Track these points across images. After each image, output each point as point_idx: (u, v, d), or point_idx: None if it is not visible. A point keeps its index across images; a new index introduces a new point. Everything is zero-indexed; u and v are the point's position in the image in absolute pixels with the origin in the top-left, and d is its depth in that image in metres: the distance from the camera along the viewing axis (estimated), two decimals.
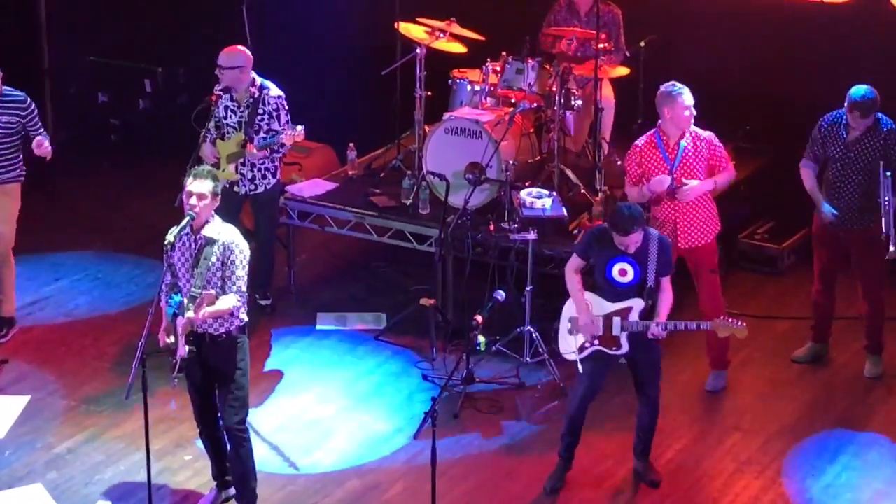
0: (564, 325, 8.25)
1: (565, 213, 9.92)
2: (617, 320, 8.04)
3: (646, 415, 8.38)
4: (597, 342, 8.09)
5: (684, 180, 8.93)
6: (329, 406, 9.27)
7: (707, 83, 10.73)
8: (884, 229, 9.02)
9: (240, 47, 9.87)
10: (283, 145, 9.78)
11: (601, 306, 8.09)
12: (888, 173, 8.99)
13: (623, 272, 8.04)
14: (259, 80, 9.84)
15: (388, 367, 9.72)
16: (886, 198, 9.00)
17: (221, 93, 9.76)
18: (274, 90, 9.83)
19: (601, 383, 8.20)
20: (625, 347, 8.06)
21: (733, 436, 8.93)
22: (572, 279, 8.21)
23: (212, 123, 9.84)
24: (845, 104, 9.07)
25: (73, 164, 12.56)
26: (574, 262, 8.24)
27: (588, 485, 8.36)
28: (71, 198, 12.14)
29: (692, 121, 8.97)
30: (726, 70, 11.45)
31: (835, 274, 9.55)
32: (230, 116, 9.83)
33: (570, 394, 8.24)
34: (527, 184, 10.17)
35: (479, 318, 8.38)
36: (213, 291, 7.62)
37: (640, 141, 9.08)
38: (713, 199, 9.16)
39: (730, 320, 8.08)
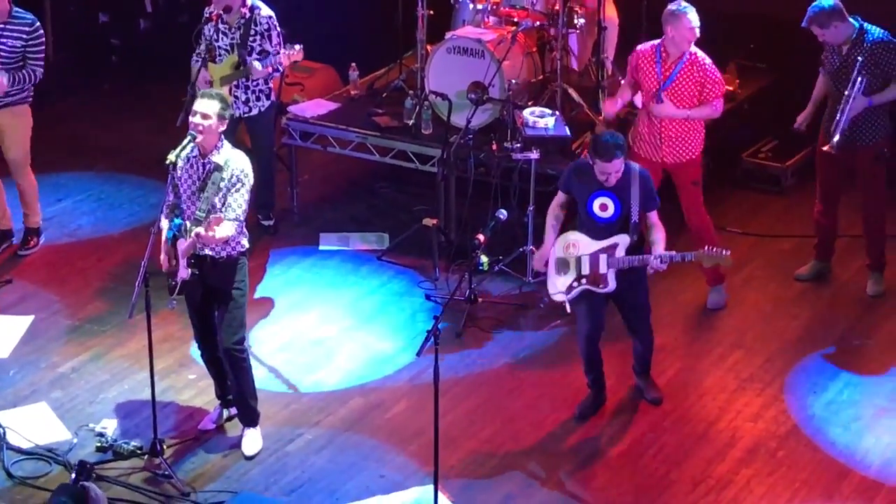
0: (552, 267, 8.22)
1: (568, 132, 9.88)
2: (603, 257, 7.96)
3: (639, 345, 8.40)
4: (584, 281, 8.03)
5: (665, 99, 8.87)
6: (332, 326, 9.30)
7: (711, 1, 10.65)
8: (836, 121, 9.00)
9: None
10: (279, 65, 9.69)
11: (588, 244, 8.02)
12: (860, 79, 8.95)
13: (604, 207, 7.96)
14: (250, 1, 9.72)
15: (391, 287, 9.74)
16: (851, 94, 8.95)
17: (223, 12, 9.67)
18: (265, 9, 9.70)
19: (601, 321, 8.16)
20: (612, 285, 7.97)
21: (735, 353, 8.96)
22: (551, 213, 8.18)
23: (202, 47, 9.75)
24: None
25: (74, 84, 12.51)
26: (558, 198, 8.20)
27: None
28: (72, 119, 12.09)
29: (694, 42, 8.90)
30: None
31: (838, 193, 9.54)
32: (221, 39, 9.71)
33: (577, 335, 8.23)
34: (529, 103, 10.13)
35: (481, 237, 8.38)
36: (221, 215, 7.61)
37: (641, 47, 9.07)
38: (701, 121, 9.11)
39: (714, 250, 7.97)
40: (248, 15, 9.65)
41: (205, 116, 7.66)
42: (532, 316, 9.38)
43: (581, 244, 8.06)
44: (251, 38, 9.65)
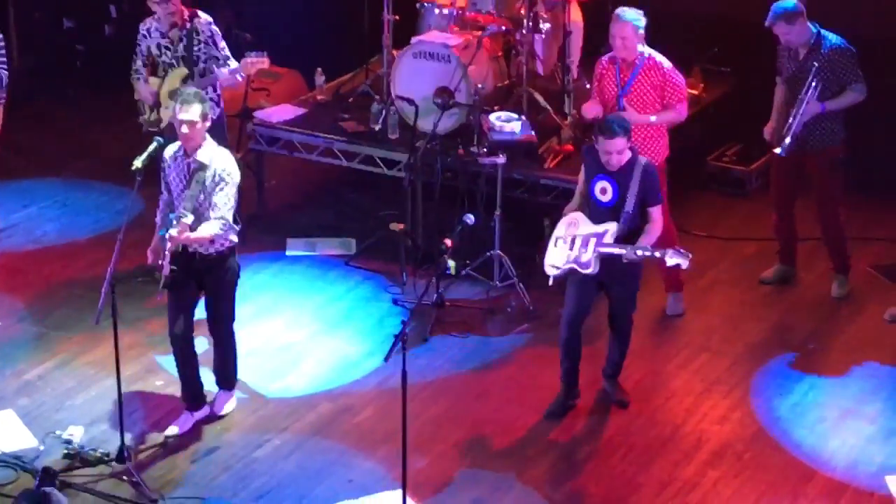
0: (551, 242, 8.30)
1: (534, 136, 9.91)
2: (592, 240, 8.04)
3: (616, 348, 8.43)
4: (571, 259, 8.11)
5: (627, 106, 8.89)
6: (300, 331, 9.30)
7: (674, 4, 10.72)
8: (788, 124, 9.06)
9: None
10: (239, 73, 9.57)
11: (585, 226, 8.12)
12: (815, 84, 9.00)
13: (603, 190, 8.05)
14: (185, 11, 9.49)
15: (359, 292, 9.74)
16: (804, 98, 9.01)
17: (154, 21, 9.49)
18: (203, 16, 9.50)
19: (586, 305, 8.20)
20: (594, 268, 8.03)
21: (701, 356, 9.01)
22: (574, 198, 8.31)
23: (139, 62, 9.63)
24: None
25: (39, 90, 12.47)
26: (580, 180, 8.30)
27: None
28: (37, 125, 12.05)
29: (629, 47, 8.78)
30: None
31: (792, 198, 9.59)
32: (165, 53, 9.51)
33: (561, 319, 8.26)
34: (496, 108, 10.15)
35: (448, 241, 8.39)
36: (187, 219, 7.64)
37: (605, 56, 9.08)
38: (664, 127, 9.12)
39: (681, 250, 7.98)
40: (188, 26, 9.46)
41: (191, 125, 7.70)
42: (499, 320, 9.40)
43: (580, 224, 8.15)
44: (195, 48, 9.47)
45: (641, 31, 8.85)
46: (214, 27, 9.54)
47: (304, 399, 8.60)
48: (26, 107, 12.10)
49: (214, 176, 7.74)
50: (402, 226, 9.82)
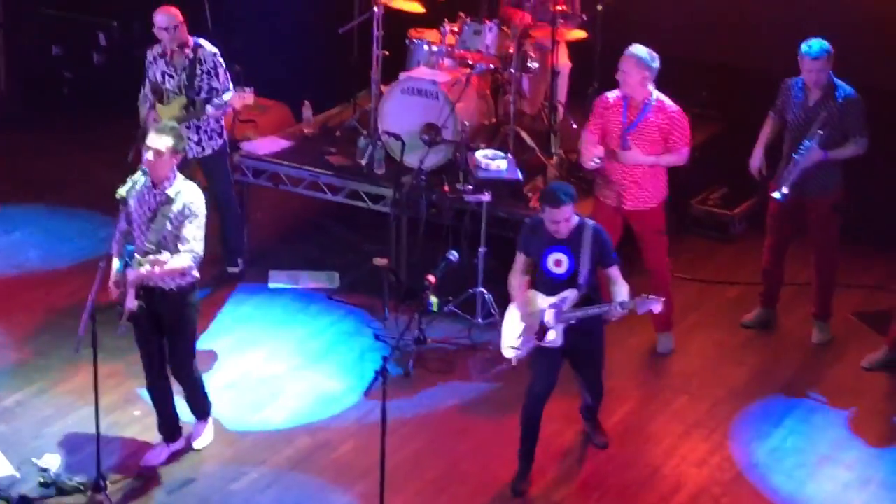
0: (508, 324, 8.17)
1: (520, 175, 9.93)
2: (551, 313, 7.91)
3: (588, 396, 8.38)
4: (533, 338, 7.99)
5: (631, 145, 8.94)
6: (280, 364, 9.28)
7: (663, 48, 10.71)
8: (788, 169, 9.09)
9: (172, 7, 9.58)
10: (229, 106, 9.61)
11: (538, 300, 7.98)
12: (821, 131, 9.02)
13: (558, 262, 7.91)
14: (192, 40, 9.59)
15: (341, 327, 9.73)
16: (804, 147, 9.04)
17: (160, 54, 9.56)
18: (208, 47, 9.60)
19: (553, 381, 8.07)
20: (559, 340, 7.94)
21: (681, 399, 9.01)
22: (513, 278, 8.10)
23: (147, 88, 9.69)
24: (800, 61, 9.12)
25: (25, 117, 12.47)
26: (517, 260, 8.11)
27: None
28: (23, 151, 12.05)
29: (628, 82, 8.87)
30: (683, 36, 11.46)
31: (787, 245, 9.62)
32: (168, 81, 9.59)
33: (526, 392, 8.14)
34: (482, 145, 10.18)
35: (431, 278, 8.39)
36: (164, 256, 7.61)
37: (611, 94, 9.08)
38: (664, 167, 9.18)
39: (649, 297, 7.87)
40: (191, 56, 9.55)
41: (157, 153, 7.68)
42: (480, 358, 9.40)
43: (533, 301, 8.01)
44: (198, 79, 9.54)
45: (647, 72, 8.86)
46: (219, 59, 9.59)
47: (283, 433, 8.58)
48: (12, 133, 12.14)
49: (184, 209, 7.72)
50: (385, 261, 9.82)
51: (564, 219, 7.82)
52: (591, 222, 7.99)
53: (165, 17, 9.52)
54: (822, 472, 8.34)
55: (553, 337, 7.92)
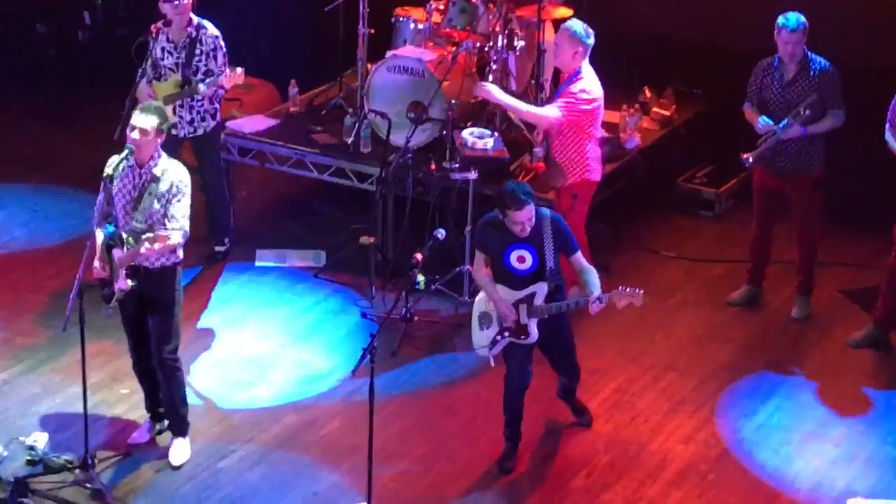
0: (475, 321, 8.15)
1: (506, 153, 9.93)
2: (523, 308, 7.86)
3: (566, 381, 8.36)
4: (507, 334, 7.94)
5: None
6: (267, 342, 9.28)
7: (649, 25, 10.78)
8: (762, 142, 9.13)
9: None
10: (222, 87, 9.64)
11: (508, 296, 7.90)
12: (806, 111, 9.05)
13: (521, 259, 7.82)
14: (196, 20, 9.63)
15: (327, 305, 9.73)
16: (784, 123, 9.07)
17: (163, 25, 9.63)
18: (211, 29, 9.63)
19: (529, 373, 8.05)
20: (534, 335, 7.89)
21: (668, 376, 9.03)
22: (480, 273, 8.02)
23: (148, 63, 9.69)
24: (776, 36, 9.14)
25: (10, 95, 12.42)
26: (478, 258, 8.04)
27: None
28: (7, 130, 12.00)
29: (557, 54, 9.08)
30: (667, 14, 11.48)
31: (773, 223, 9.65)
32: (167, 58, 9.64)
33: (504, 385, 8.11)
34: (468, 124, 10.17)
35: (419, 256, 8.39)
36: (164, 231, 7.59)
37: None
38: (593, 144, 9.17)
39: (627, 290, 7.75)
40: (193, 34, 9.57)
41: (142, 132, 7.65)
42: (467, 335, 9.35)
43: (503, 296, 7.95)
44: (196, 58, 9.58)
45: (580, 47, 8.92)
46: (220, 41, 9.60)
47: (270, 410, 8.58)
48: None
49: (171, 187, 7.69)
50: (372, 239, 9.82)
51: (528, 218, 7.69)
52: (547, 212, 7.86)
53: None
54: (809, 448, 8.37)
55: (528, 332, 7.89)
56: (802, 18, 9.12)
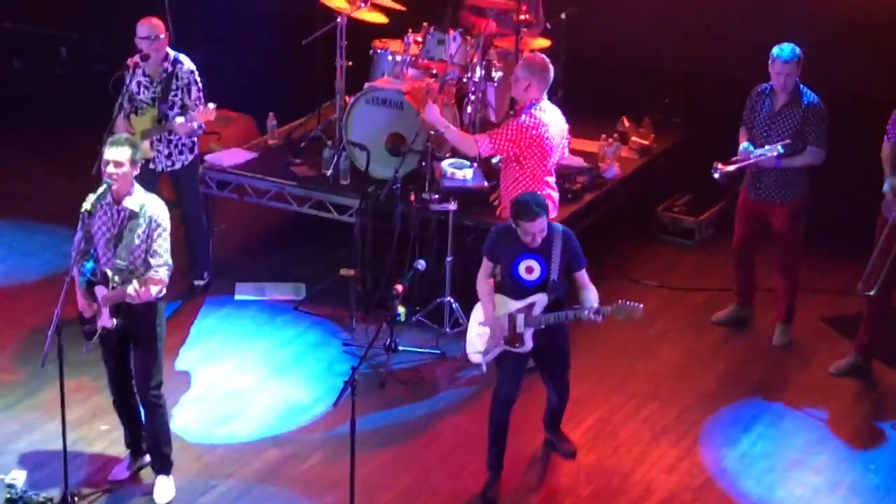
0: (472, 329, 8.19)
1: (486, 183, 9.93)
2: (521, 317, 7.91)
3: (554, 397, 8.38)
4: (502, 342, 8.00)
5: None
6: (247, 376, 9.24)
7: (627, 56, 10.80)
8: (737, 158, 9.16)
9: (155, 19, 9.69)
10: (199, 124, 9.61)
11: (506, 305, 7.97)
12: (786, 142, 9.08)
13: (530, 269, 7.91)
14: (173, 54, 9.63)
15: (308, 337, 9.70)
16: (759, 153, 9.12)
17: (140, 60, 9.61)
18: (188, 64, 9.63)
19: (519, 384, 8.08)
20: (528, 344, 7.94)
21: (650, 405, 9.01)
22: (482, 284, 8.09)
23: (125, 97, 9.67)
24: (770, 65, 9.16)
25: None
26: (485, 267, 8.10)
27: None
28: None
29: (529, 94, 8.77)
30: (646, 43, 11.52)
31: (753, 242, 9.67)
32: (143, 92, 9.61)
33: (492, 398, 8.13)
34: (448, 155, 10.17)
35: (399, 287, 8.37)
36: (153, 273, 7.59)
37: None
38: (552, 186, 9.03)
39: (627, 303, 7.87)
40: (170, 69, 9.57)
41: (118, 164, 7.62)
42: (449, 366, 9.38)
43: (500, 305, 8.01)
44: (172, 93, 9.56)
45: (534, 79, 8.71)
46: (195, 76, 9.61)
47: (251, 445, 8.53)
48: None
49: (150, 223, 7.66)
50: (352, 271, 9.79)
51: (539, 230, 7.81)
52: (560, 227, 8.00)
53: (146, 28, 9.55)
54: (792, 476, 8.36)
55: (522, 341, 7.92)
56: (797, 50, 9.13)
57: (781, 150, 9.08)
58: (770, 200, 9.33)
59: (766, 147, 9.13)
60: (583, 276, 8.00)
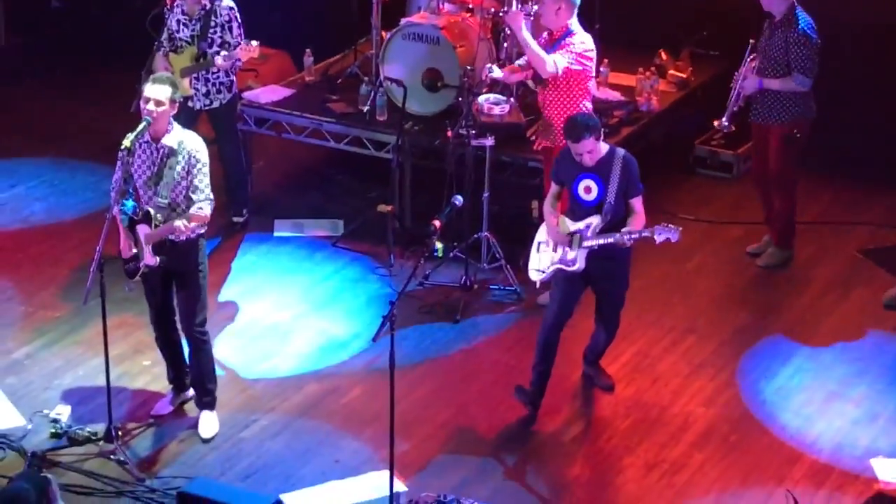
0: (535, 246, 8.28)
1: (522, 119, 9.91)
2: (576, 237, 8.00)
3: (602, 337, 8.42)
4: (556, 261, 8.09)
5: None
6: (287, 312, 9.30)
7: None
8: (729, 103, 9.32)
9: None
10: (238, 60, 9.64)
11: (566, 226, 8.08)
12: (753, 57, 9.23)
13: (588, 189, 8.00)
14: None
15: (346, 273, 9.75)
16: (742, 74, 9.30)
17: None
18: (226, 1, 9.62)
19: (571, 306, 8.15)
20: (580, 264, 8.00)
21: (688, 339, 9.03)
22: (546, 204, 8.23)
23: (164, 35, 9.69)
24: None
25: (26, 70, 12.44)
26: (551, 190, 8.23)
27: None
28: (24, 104, 12.03)
29: (543, 13, 8.92)
30: None
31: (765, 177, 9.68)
32: (182, 30, 9.64)
33: (542, 320, 8.21)
34: (484, 90, 10.15)
35: (437, 222, 8.40)
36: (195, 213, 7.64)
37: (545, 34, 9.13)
38: (588, 102, 9.04)
39: (668, 226, 7.92)
40: (208, 6, 9.56)
41: (158, 103, 7.65)
42: (486, 302, 9.41)
43: (562, 225, 8.11)
44: (211, 30, 9.58)
45: (563, 3, 8.77)
46: (235, 13, 9.61)
47: (292, 380, 8.61)
48: (14, 86, 12.11)
49: (190, 159, 7.70)
50: (390, 207, 9.82)
51: (587, 151, 7.91)
52: (621, 151, 8.06)
53: None
54: (830, 408, 8.37)
55: (572, 257, 7.99)
56: None
57: (749, 65, 9.20)
58: (765, 122, 9.43)
59: (736, 73, 9.30)
60: (637, 202, 8.07)
